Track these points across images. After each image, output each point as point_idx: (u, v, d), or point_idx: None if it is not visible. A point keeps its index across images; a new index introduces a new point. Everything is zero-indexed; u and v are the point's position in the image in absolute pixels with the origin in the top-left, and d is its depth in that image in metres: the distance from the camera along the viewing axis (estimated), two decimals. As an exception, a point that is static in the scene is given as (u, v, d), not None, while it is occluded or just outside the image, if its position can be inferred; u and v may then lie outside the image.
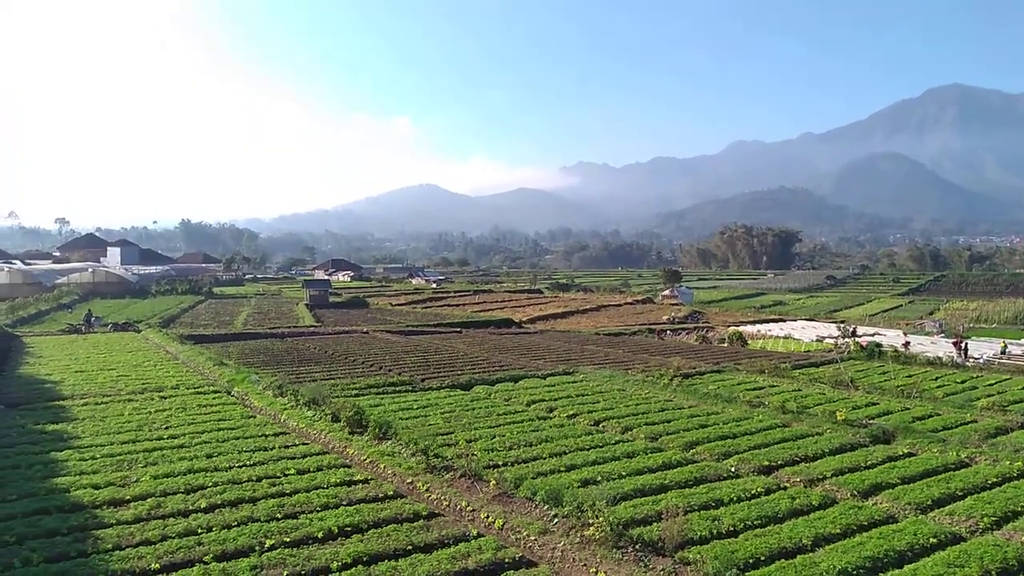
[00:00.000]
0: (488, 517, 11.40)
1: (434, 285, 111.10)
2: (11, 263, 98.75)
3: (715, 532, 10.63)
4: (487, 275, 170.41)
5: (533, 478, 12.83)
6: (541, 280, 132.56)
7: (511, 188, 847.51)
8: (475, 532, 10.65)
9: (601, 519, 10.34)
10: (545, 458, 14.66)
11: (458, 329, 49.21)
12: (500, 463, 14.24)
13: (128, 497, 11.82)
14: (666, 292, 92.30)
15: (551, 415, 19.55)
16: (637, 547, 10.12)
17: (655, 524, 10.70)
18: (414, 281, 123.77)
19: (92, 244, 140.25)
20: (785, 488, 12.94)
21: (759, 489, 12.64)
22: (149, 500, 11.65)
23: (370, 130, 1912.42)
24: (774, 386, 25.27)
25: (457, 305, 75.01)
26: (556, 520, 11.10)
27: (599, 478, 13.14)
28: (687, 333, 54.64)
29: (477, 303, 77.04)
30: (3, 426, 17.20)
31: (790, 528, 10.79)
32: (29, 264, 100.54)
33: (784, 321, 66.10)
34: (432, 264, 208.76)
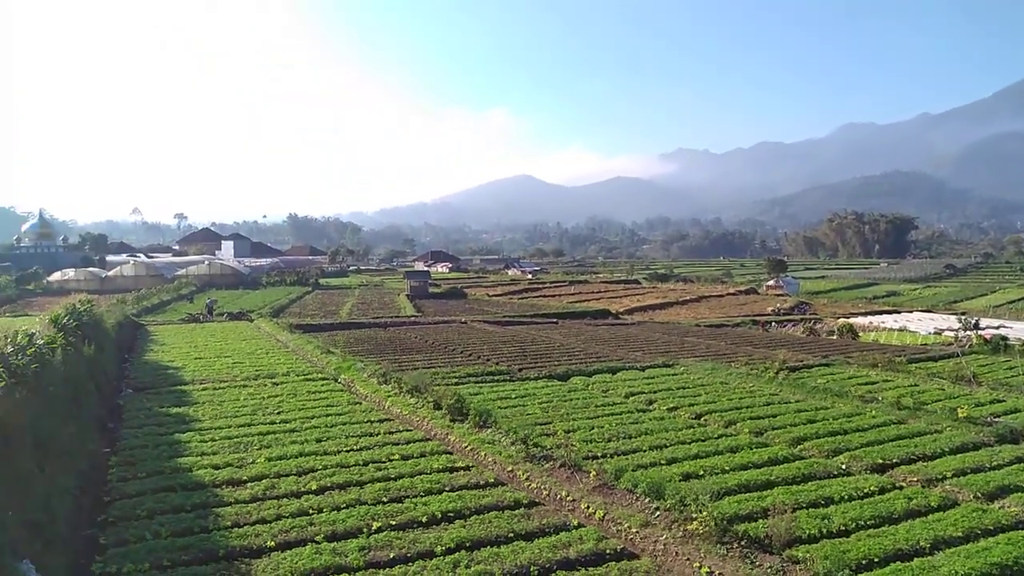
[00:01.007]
0: (588, 507, 11.38)
1: (530, 276, 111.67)
2: (136, 256, 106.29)
3: (825, 531, 10.24)
4: (583, 265, 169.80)
5: (633, 470, 12.70)
6: (638, 270, 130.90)
7: (608, 177, 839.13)
8: (576, 522, 10.66)
9: (705, 513, 10.15)
10: (645, 450, 14.49)
11: (554, 320, 49.26)
12: (599, 454, 14.18)
13: (245, 478, 12.46)
14: (770, 282, 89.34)
15: (650, 407, 19.30)
16: (743, 543, 9.88)
17: (761, 520, 10.40)
18: (510, 272, 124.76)
19: (208, 238, 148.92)
20: (901, 488, 12.30)
21: (872, 488, 12.06)
22: (264, 481, 12.25)
23: (467, 122, 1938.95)
24: (888, 380, 24.01)
25: (553, 296, 75.09)
26: (658, 513, 10.97)
27: (701, 472, 12.89)
28: (793, 325, 52.67)
29: (573, 294, 76.86)
30: (133, 409, 18.47)
31: (906, 529, 10.26)
32: (152, 257, 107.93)
33: (899, 312, 62.75)
34: (528, 255, 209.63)
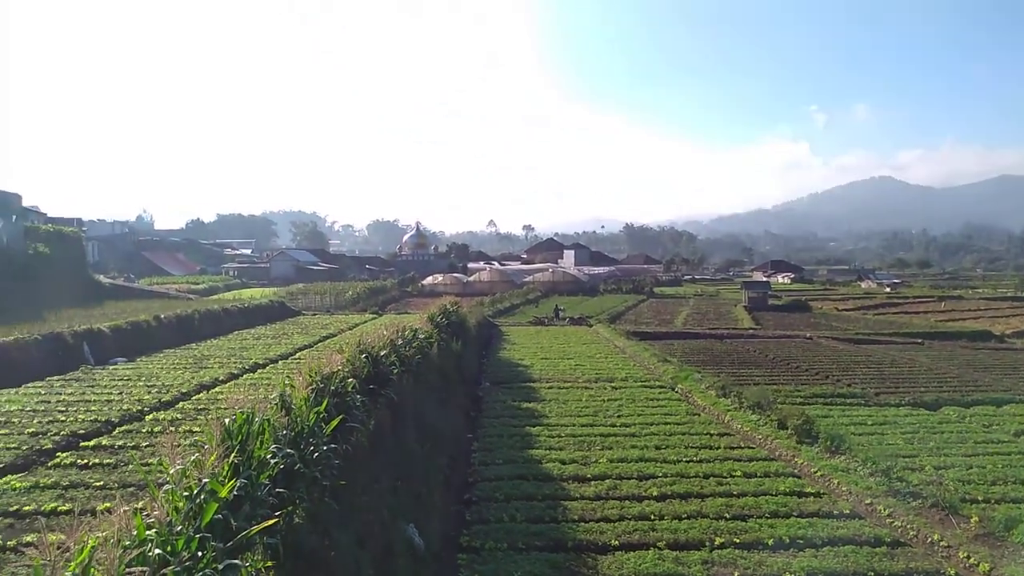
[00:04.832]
0: (969, 558, 9.78)
1: (887, 289, 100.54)
2: (491, 264, 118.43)
3: None
4: (955, 278, 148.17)
5: (1029, 523, 10.64)
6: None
7: (990, 176, 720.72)
8: (953, 572, 9.24)
9: None
10: (1045, 501, 12.09)
11: (919, 340, 43.55)
12: (980, 498, 12.18)
13: (588, 475, 12.98)
14: None
15: (1051, 450, 16.05)
16: None
17: None
18: (863, 284, 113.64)
19: (551, 247, 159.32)
20: None
21: None
22: (607, 481, 12.63)
23: (818, 121, 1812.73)
24: None
25: (917, 312, 66.65)
26: (1066, 579, 9.04)
27: None
28: None
29: (943, 311, 67.36)
30: (490, 400, 20.41)
31: None
32: (504, 265, 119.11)
33: None
34: (885, 266, 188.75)
